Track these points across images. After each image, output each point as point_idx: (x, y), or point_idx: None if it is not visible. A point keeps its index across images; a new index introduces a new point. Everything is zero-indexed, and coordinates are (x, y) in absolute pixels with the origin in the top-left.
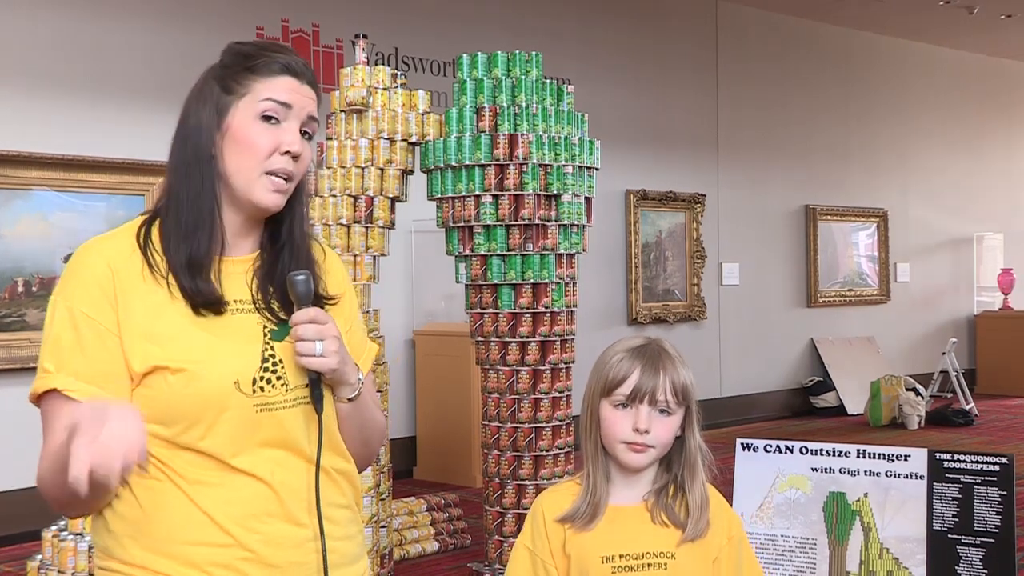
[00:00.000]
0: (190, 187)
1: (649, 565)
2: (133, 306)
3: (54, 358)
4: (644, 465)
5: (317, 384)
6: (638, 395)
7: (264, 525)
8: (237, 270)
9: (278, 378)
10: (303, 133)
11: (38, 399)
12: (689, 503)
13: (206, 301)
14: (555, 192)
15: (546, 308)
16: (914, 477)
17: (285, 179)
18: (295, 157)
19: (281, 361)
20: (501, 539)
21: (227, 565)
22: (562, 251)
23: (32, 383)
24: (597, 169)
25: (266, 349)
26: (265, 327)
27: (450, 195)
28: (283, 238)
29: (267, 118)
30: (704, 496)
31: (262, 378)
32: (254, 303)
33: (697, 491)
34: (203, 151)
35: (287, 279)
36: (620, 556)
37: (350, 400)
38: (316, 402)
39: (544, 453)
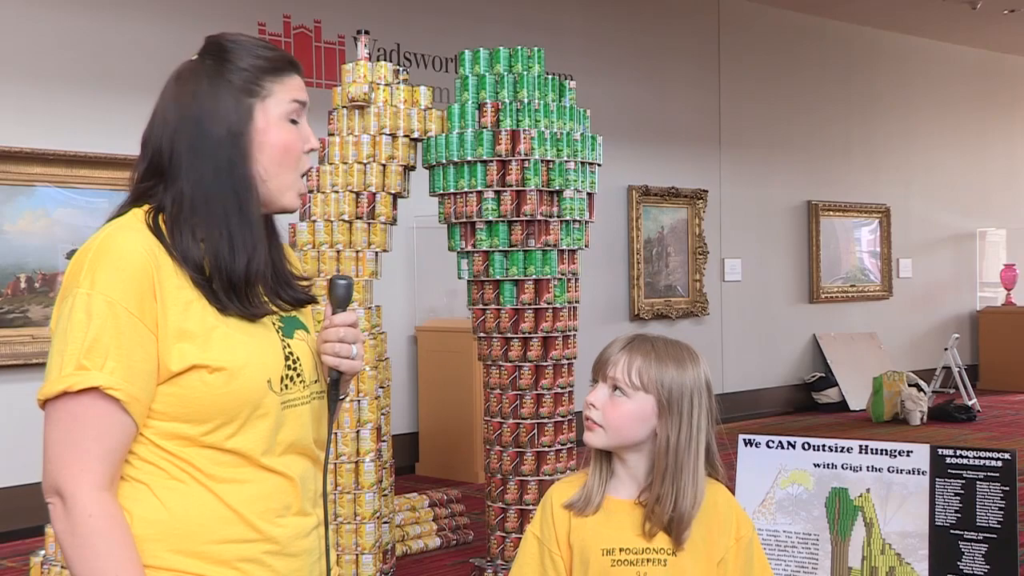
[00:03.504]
0: (230, 198)
1: (648, 560)
2: (168, 303)
3: (91, 355)
4: (597, 445)
5: (337, 384)
6: (598, 371)
7: (284, 518)
8: None
9: (298, 375)
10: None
11: (57, 397)
12: (664, 504)
13: (254, 316)
14: (557, 188)
15: (548, 304)
16: (916, 473)
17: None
18: (313, 152)
19: (299, 359)
20: (503, 535)
21: (255, 560)
22: (564, 247)
23: (51, 379)
24: (599, 165)
25: (285, 347)
26: (274, 323)
27: (452, 191)
28: (272, 230)
29: (292, 120)
30: (687, 503)
31: (287, 376)
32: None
33: (679, 496)
34: (237, 157)
35: (330, 282)
36: (620, 550)
37: (340, 400)
38: (333, 401)
39: (546, 449)
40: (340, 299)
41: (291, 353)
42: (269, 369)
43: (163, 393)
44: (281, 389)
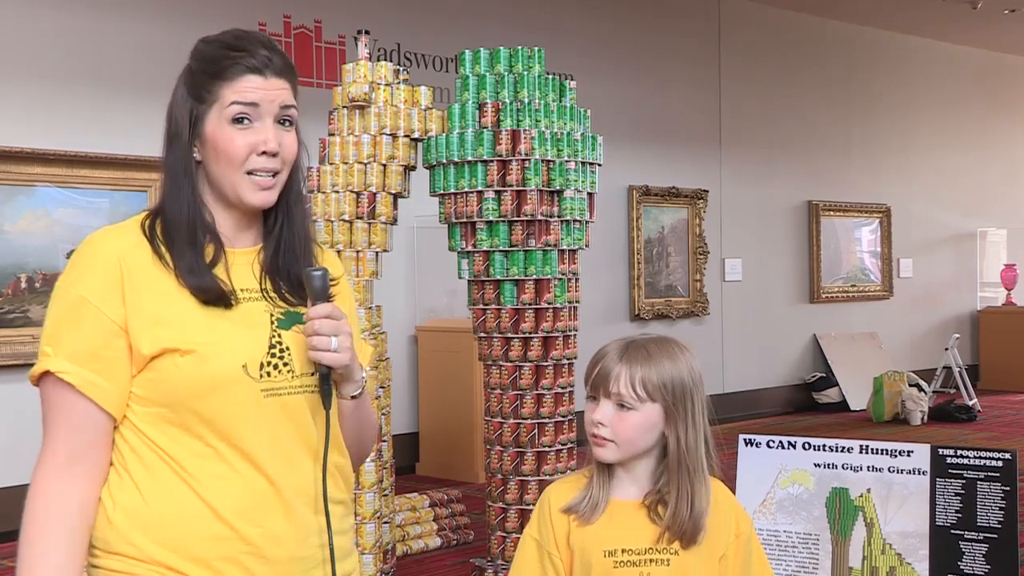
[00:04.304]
0: (179, 193)
1: (651, 560)
2: (141, 293)
3: (52, 341)
4: (610, 460)
5: (327, 379)
6: (598, 387)
7: (265, 519)
8: (242, 261)
9: (284, 364)
10: (283, 121)
11: (36, 381)
12: (682, 508)
13: (213, 297)
14: (557, 188)
15: (548, 304)
16: (917, 473)
17: (270, 176)
18: (273, 154)
19: (288, 348)
20: (504, 535)
21: (233, 560)
22: (564, 247)
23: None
24: (600, 165)
25: (273, 336)
26: (272, 315)
27: (452, 191)
28: (281, 226)
29: (238, 120)
30: (702, 502)
31: (269, 363)
32: (261, 291)
33: (695, 496)
34: (185, 161)
35: (304, 273)
36: (622, 551)
37: (353, 398)
38: (325, 397)
39: (547, 449)
40: (316, 290)
41: (280, 342)
42: (245, 354)
43: (143, 379)
44: (261, 376)
